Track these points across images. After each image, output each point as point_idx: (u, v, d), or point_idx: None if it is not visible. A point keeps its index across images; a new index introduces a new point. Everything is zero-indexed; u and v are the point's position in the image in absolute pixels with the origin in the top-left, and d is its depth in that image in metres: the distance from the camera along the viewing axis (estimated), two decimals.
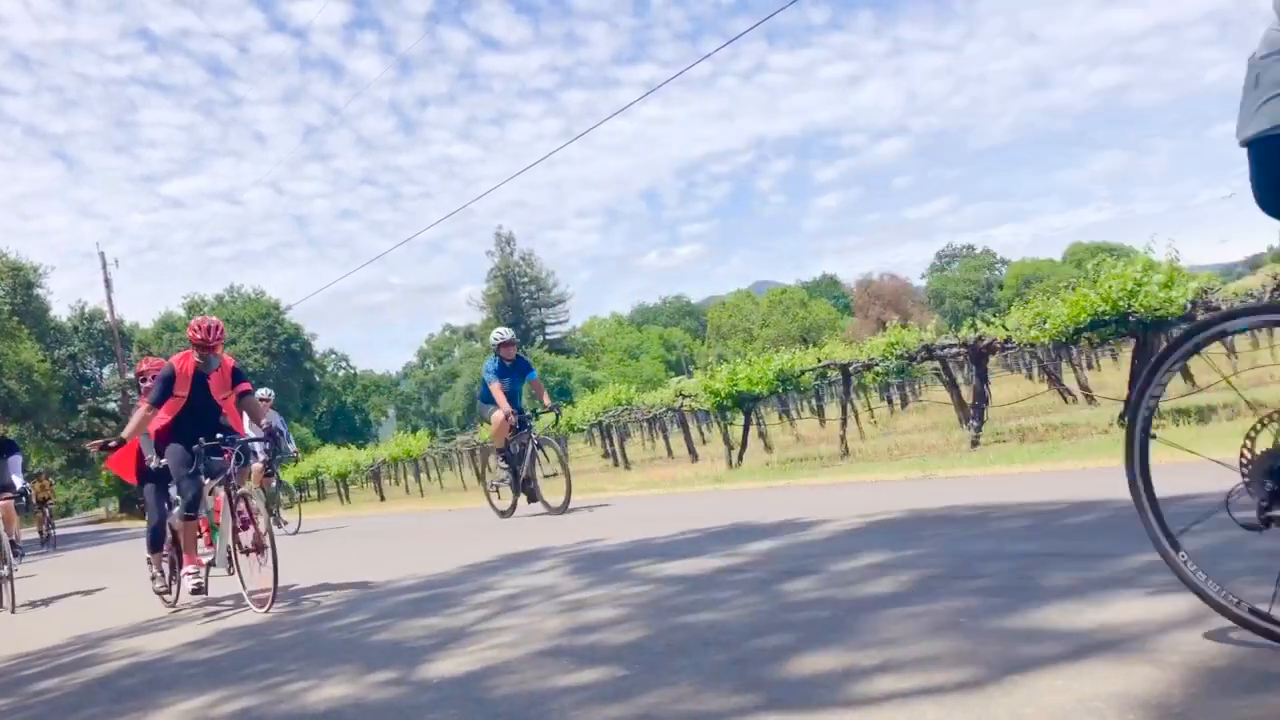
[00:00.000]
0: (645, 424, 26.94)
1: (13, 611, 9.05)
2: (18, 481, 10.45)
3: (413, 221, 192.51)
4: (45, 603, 9.70)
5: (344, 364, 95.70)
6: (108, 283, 44.34)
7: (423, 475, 27.14)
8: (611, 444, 21.89)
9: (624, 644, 3.62)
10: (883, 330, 14.32)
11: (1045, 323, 10.44)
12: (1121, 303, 9.36)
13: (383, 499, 24.09)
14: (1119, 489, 5.40)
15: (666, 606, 4.20)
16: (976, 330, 11.67)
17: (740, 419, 14.45)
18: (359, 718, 3.23)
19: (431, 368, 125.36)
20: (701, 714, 2.64)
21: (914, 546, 4.77)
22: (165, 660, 5.06)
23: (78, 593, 10.20)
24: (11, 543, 9.83)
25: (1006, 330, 11.38)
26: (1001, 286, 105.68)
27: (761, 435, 16.69)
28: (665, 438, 22.36)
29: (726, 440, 14.49)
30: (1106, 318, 9.62)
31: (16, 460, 10.65)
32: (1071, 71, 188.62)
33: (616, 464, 20.60)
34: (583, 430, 22.66)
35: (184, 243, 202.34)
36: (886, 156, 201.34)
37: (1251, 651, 2.41)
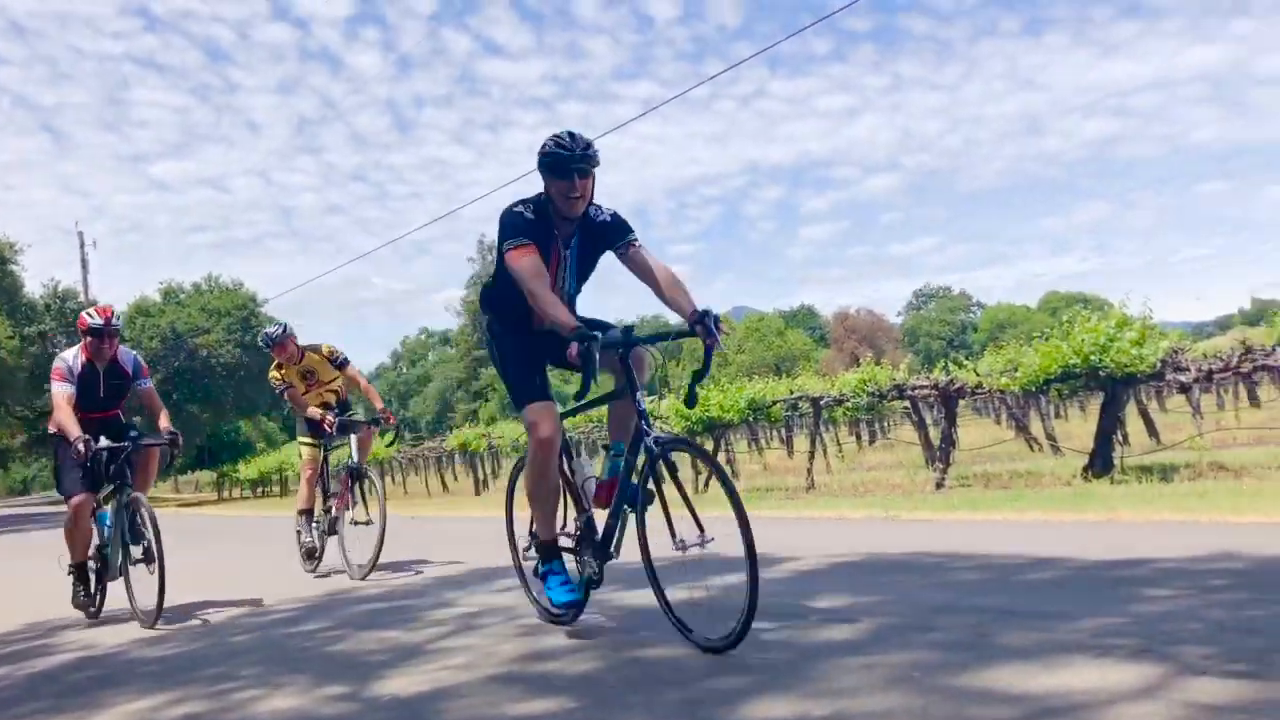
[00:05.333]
0: None
1: None
2: None
3: (399, 221, 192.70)
4: None
5: None
6: (84, 263, 43.90)
7: (387, 478, 26.93)
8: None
9: (578, 674, 3.61)
10: (856, 365, 14.42)
11: (1016, 370, 10.56)
12: (1093, 356, 9.47)
13: None
14: (1079, 545, 5.46)
15: (624, 639, 4.20)
16: (948, 373, 11.78)
17: (709, 445, 14.47)
18: None
19: (404, 370, 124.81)
20: None
21: (873, 592, 4.79)
22: (117, 656, 5.00)
23: None
24: None
25: (978, 375, 11.50)
26: (976, 329, 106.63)
27: (729, 463, 16.70)
28: None
29: (694, 465, 14.49)
30: (1077, 370, 9.73)
31: None
32: (1065, 120, 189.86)
33: None
34: None
35: (166, 227, 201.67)
36: (876, 191, 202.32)
37: None
